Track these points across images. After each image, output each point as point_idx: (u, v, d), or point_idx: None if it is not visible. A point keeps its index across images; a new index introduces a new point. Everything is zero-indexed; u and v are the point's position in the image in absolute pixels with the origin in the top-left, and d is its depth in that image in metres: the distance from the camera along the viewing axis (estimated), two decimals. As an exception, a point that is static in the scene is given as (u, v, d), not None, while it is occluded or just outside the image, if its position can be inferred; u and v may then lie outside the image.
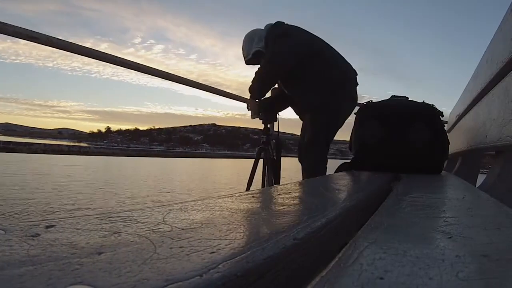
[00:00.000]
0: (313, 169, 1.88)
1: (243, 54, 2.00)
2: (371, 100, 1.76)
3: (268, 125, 1.93)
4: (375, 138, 1.61)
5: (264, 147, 1.90)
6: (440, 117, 1.58)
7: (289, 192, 0.70)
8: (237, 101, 2.51)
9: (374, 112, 1.66)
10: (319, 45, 1.90)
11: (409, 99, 1.71)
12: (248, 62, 1.98)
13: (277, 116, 1.97)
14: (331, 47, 1.95)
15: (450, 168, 2.51)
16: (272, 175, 1.88)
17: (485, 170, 1.78)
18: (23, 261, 0.23)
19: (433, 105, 1.60)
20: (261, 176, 1.94)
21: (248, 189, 1.88)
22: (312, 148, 1.89)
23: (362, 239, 0.32)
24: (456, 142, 2.09)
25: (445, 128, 2.89)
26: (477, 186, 1.41)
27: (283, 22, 1.96)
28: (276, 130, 2.02)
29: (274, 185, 1.59)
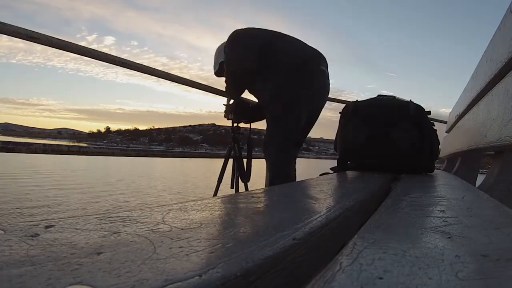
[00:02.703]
0: (272, 165, 1.81)
1: (213, 68, 2.00)
2: (357, 100, 1.74)
3: (238, 124, 1.96)
4: (360, 138, 1.58)
5: (232, 145, 1.93)
6: (428, 116, 1.56)
7: (289, 192, 0.70)
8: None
9: (358, 112, 1.62)
10: (269, 37, 1.83)
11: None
12: (217, 74, 1.98)
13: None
14: (287, 36, 1.87)
15: (449, 168, 2.51)
16: (238, 172, 1.91)
17: (484, 170, 1.78)
18: (22, 261, 0.23)
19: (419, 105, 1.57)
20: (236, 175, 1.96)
21: (217, 186, 1.89)
22: (268, 143, 1.82)
23: (362, 239, 0.32)
24: (456, 142, 2.09)
25: (445, 128, 2.90)
26: (476, 186, 1.41)
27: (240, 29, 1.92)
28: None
29: (274, 185, 1.59)
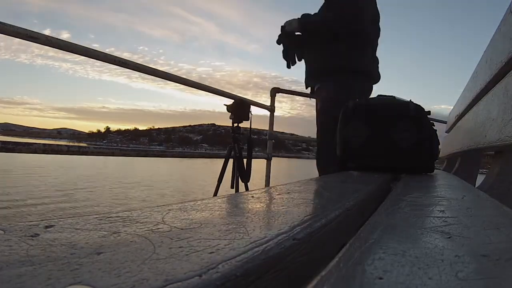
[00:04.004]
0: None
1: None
2: (357, 99, 1.73)
3: (239, 124, 1.95)
4: (360, 138, 1.58)
5: (232, 145, 1.93)
6: (427, 116, 1.56)
7: (289, 193, 0.70)
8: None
9: (358, 112, 1.61)
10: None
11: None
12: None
13: (250, 115, 1.95)
14: None
15: (449, 168, 2.51)
16: (238, 172, 1.91)
17: (484, 170, 1.78)
18: (22, 261, 0.23)
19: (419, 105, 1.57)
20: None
21: (217, 186, 1.89)
22: (321, 150, 1.77)
23: (362, 239, 0.32)
24: (456, 142, 2.09)
25: (445, 128, 2.90)
26: (476, 186, 1.41)
27: None
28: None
29: (274, 185, 1.57)
